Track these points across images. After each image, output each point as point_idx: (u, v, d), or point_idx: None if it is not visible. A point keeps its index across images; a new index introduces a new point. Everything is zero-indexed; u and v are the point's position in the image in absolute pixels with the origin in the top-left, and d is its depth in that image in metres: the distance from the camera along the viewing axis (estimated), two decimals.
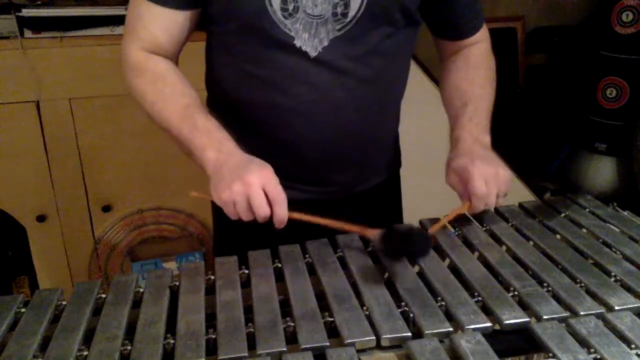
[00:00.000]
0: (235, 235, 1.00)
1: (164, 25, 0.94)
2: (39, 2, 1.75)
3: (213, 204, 0.94)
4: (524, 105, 2.64)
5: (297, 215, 0.86)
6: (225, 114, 0.98)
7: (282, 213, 0.83)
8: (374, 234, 0.89)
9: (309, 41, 0.93)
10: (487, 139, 1.00)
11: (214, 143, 0.88)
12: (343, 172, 1.07)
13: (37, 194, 1.86)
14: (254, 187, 0.81)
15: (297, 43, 0.93)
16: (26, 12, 1.70)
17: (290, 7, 0.90)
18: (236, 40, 0.96)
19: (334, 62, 0.95)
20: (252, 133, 1.00)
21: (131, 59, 0.95)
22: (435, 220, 0.98)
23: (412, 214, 1.11)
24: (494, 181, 0.92)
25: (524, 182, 2.11)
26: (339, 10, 0.91)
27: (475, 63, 1.08)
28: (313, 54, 0.94)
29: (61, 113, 1.80)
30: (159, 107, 0.93)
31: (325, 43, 0.93)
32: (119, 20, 1.77)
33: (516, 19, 2.64)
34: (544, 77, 2.72)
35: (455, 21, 1.07)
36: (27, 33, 1.72)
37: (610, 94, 2.37)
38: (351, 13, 0.92)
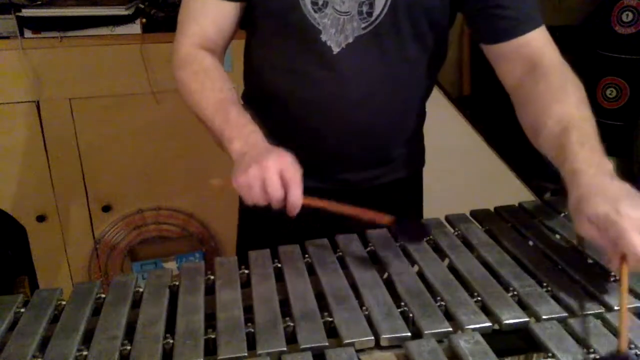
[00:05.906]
0: (260, 231, 1.05)
1: (214, 18, 1.01)
2: (39, 2, 1.75)
3: (240, 200, 1.00)
4: None
5: (311, 201, 0.86)
6: (258, 105, 1.03)
7: (295, 196, 0.83)
8: (388, 221, 0.88)
9: (335, 37, 0.96)
10: (609, 165, 0.83)
11: (241, 136, 0.90)
12: (361, 168, 1.10)
13: (37, 194, 1.85)
14: (269, 170, 0.82)
15: (323, 37, 0.97)
16: (26, 12, 1.69)
17: (320, 1, 0.95)
18: (270, 33, 1.02)
19: (356, 59, 0.98)
20: (282, 125, 1.04)
21: (180, 53, 1.01)
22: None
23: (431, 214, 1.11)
24: None
25: (524, 182, 2.10)
26: (364, 8, 0.95)
27: (559, 82, 0.92)
28: (336, 49, 0.97)
29: (61, 113, 1.79)
30: (197, 97, 0.97)
31: (350, 39, 0.97)
32: (119, 20, 1.77)
33: None
34: None
35: (504, 13, 0.95)
36: (27, 33, 1.72)
37: (610, 94, 2.37)
38: (375, 12, 0.95)
